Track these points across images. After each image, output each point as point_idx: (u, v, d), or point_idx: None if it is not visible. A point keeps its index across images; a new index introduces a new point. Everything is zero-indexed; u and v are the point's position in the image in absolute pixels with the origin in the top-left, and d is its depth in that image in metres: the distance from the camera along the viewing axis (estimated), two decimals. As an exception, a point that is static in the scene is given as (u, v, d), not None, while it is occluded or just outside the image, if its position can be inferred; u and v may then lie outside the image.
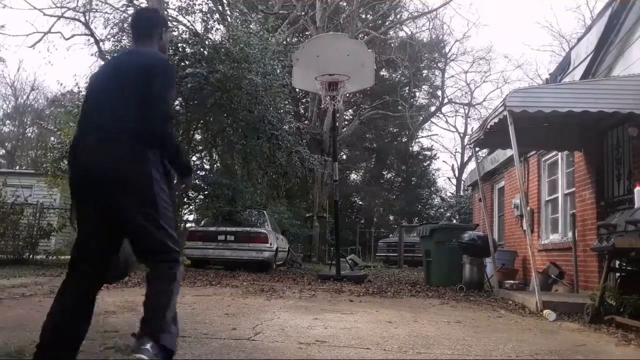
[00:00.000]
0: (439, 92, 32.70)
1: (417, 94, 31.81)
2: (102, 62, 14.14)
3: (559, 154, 8.38)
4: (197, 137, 15.19)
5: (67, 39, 15.31)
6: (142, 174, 2.29)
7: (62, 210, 11.98)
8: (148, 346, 2.12)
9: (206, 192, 14.17)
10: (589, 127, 6.95)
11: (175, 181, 2.59)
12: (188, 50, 13.57)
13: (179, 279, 2.42)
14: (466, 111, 34.72)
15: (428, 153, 33.93)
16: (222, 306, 5.11)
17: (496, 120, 6.16)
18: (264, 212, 12.79)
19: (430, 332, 3.98)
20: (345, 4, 22.74)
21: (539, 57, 66.22)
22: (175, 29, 14.50)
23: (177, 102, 14.18)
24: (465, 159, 33.84)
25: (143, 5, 14.57)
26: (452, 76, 40.15)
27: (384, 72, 28.66)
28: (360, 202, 32.25)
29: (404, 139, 32.13)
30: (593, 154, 7.14)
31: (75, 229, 2.50)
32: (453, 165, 36.25)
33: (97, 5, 15.02)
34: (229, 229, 11.41)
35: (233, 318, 4.34)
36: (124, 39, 14.48)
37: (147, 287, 2.37)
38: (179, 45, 13.87)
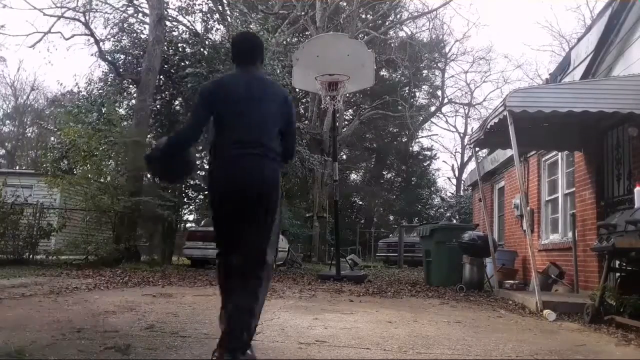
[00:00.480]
0: (439, 92, 32.72)
1: (417, 94, 31.82)
2: (104, 64, 14.15)
3: (559, 154, 8.38)
4: (197, 137, 15.16)
5: (67, 39, 15.27)
6: (278, 190, 2.79)
7: (62, 210, 11.98)
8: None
9: (206, 192, 14.18)
10: (589, 127, 6.95)
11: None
12: (188, 50, 13.59)
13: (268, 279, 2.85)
14: (466, 111, 34.76)
15: (428, 153, 33.94)
16: (222, 306, 5.10)
17: (496, 120, 6.16)
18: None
19: (430, 332, 3.98)
20: (345, 4, 22.73)
21: (539, 57, 66.22)
22: (175, 29, 14.52)
23: (177, 102, 14.22)
24: (465, 159, 33.86)
25: (143, 5, 14.61)
26: (452, 76, 40.26)
27: (384, 72, 28.65)
28: (360, 202, 32.24)
29: (404, 139, 32.12)
30: (593, 154, 7.14)
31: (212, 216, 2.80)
32: (453, 165, 36.28)
33: (97, 5, 15.02)
34: (228, 229, 11.39)
35: (233, 318, 4.33)
36: (124, 39, 14.50)
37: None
38: (179, 45, 13.89)
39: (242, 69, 2.98)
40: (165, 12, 13.35)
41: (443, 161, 69.98)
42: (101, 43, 14.06)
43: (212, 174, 2.81)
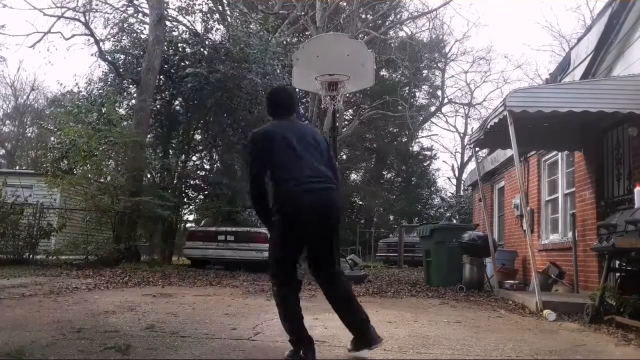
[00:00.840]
0: (439, 92, 32.71)
1: (417, 94, 31.79)
2: (104, 64, 14.15)
3: (559, 154, 8.38)
4: (197, 137, 15.19)
5: (67, 39, 15.27)
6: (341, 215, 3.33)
7: (62, 210, 11.98)
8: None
9: (206, 192, 14.18)
10: (589, 127, 6.95)
11: None
12: (188, 50, 13.60)
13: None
14: (466, 111, 34.73)
15: (428, 153, 33.90)
16: (222, 306, 5.11)
17: (496, 120, 6.16)
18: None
19: (430, 332, 3.98)
20: (345, 4, 22.72)
21: (539, 57, 66.17)
22: (175, 29, 14.52)
23: (177, 102, 14.22)
24: (465, 159, 33.84)
25: (143, 5, 14.60)
26: (452, 76, 40.22)
27: (384, 72, 28.64)
28: (360, 202, 32.21)
29: (404, 139, 32.09)
30: (593, 154, 7.14)
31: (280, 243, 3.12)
32: (453, 165, 36.26)
33: (97, 5, 15.02)
34: (229, 229, 11.40)
35: (233, 318, 4.34)
36: (124, 39, 14.49)
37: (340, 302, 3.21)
38: (179, 45, 13.89)
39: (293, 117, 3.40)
40: (165, 12, 13.35)
41: (443, 161, 69.96)
42: (101, 43, 14.07)
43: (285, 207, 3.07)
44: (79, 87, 13.91)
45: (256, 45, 12.43)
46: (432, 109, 33.02)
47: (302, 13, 20.42)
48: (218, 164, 15.58)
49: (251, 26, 13.90)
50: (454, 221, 20.75)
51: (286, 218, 3.02)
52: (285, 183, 3.04)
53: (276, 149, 3.08)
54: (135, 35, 14.52)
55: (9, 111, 34.48)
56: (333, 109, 10.21)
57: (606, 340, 3.92)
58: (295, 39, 21.42)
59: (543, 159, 9.02)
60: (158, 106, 13.68)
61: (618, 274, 5.04)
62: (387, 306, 5.67)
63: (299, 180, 3.03)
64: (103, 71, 14.74)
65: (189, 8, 14.28)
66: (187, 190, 14.66)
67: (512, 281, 7.86)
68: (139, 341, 3.18)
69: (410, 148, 32.32)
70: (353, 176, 32.82)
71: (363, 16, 24.92)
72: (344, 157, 29.75)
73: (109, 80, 14.23)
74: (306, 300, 5.96)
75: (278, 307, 3.08)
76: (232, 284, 7.71)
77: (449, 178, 37.32)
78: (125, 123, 12.39)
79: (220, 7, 15.78)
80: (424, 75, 30.89)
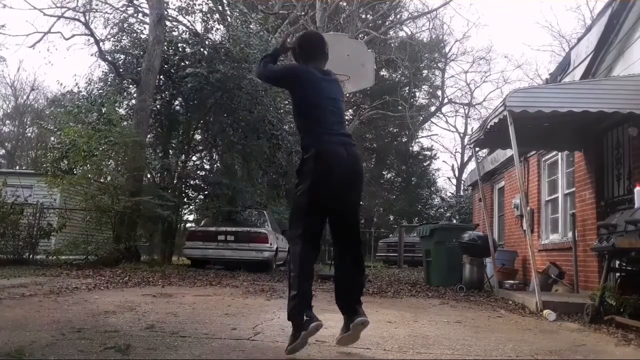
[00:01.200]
0: (439, 92, 32.74)
1: (417, 94, 31.81)
2: (104, 64, 14.15)
3: (559, 154, 8.38)
4: (197, 137, 15.19)
5: (67, 39, 15.24)
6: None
7: (62, 210, 11.98)
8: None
9: (206, 192, 14.17)
10: (589, 127, 6.95)
11: None
12: (188, 50, 13.59)
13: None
14: (466, 111, 34.76)
15: (428, 153, 33.92)
16: (222, 306, 5.11)
17: (496, 120, 6.16)
18: (264, 212, 12.78)
19: (430, 332, 3.98)
20: (345, 4, 22.73)
21: (539, 57, 66.23)
22: (175, 29, 14.51)
23: (177, 102, 14.21)
24: (465, 159, 33.85)
25: (143, 5, 14.59)
26: (452, 76, 40.29)
27: (384, 72, 28.65)
28: (360, 202, 32.21)
29: (404, 139, 32.11)
30: (593, 154, 7.14)
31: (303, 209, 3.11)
32: (453, 165, 36.27)
33: (97, 5, 15.02)
34: (229, 229, 11.40)
35: (233, 318, 4.34)
36: (124, 39, 14.48)
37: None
38: (179, 45, 13.88)
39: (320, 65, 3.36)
40: (165, 12, 13.34)
41: (443, 161, 70.04)
42: (101, 43, 14.06)
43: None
44: (79, 87, 13.91)
45: (256, 45, 12.42)
46: (432, 109, 33.05)
47: (302, 13, 20.42)
48: (218, 164, 15.59)
49: (251, 26, 13.89)
50: (454, 221, 20.78)
51: (318, 173, 3.00)
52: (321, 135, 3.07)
53: (317, 99, 3.14)
54: (135, 35, 14.51)
55: (9, 111, 34.53)
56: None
57: (606, 340, 3.92)
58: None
59: (543, 159, 9.02)
60: (158, 106, 13.68)
61: (618, 274, 5.04)
62: (387, 306, 5.67)
63: (326, 133, 3.07)
64: (103, 71, 14.74)
65: (189, 8, 14.27)
66: (187, 190, 14.65)
67: (512, 281, 7.86)
68: (139, 341, 3.17)
69: (410, 148, 32.33)
70: (353, 176, 32.77)
71: (363, 16, 24.93)
72: (344, 157, 29.69)
73: (109, 80, 14.22)
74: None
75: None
76: (232, 284, 7.71)
77: (449, 178, 37.37)
78: (125, 123, 12.38)
79: (220, 7, 15.78)
80: (424, 75, 30.90)
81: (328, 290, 7.18)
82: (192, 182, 14.50)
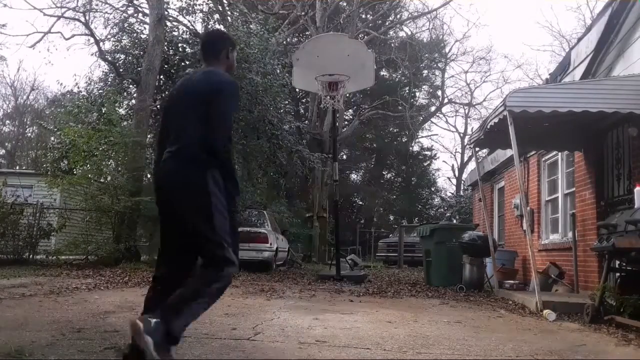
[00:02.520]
0: (439, 92, 32.69)
1: (417, 94, 31.76)
2: (104, 64, 14.17)
3: (559, 154, 8.38)
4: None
5: (67, 39, 15.28)
6: (198, 186, 2.55)
7: (62, 210, 11.97)
8: (153, 321, 2.32)
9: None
10: (589, 127, 6.95)
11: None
12: (188, 50, 13.57)
13: (213, 288, 2.59)
14: (466, 111, 34.72)
15: (428, 153, 33.91)
16: (222, 306, 5.10)
17: (496, 120, 6.16)
18: (264, 212, 12.78)
19: (430, 332, 3.98)
20: (345, 4, 22.73)
21: (539, 57, 66.23)
22: (176, 29, 14.51)
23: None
24: (465, 159, 33.84)
25: (143, 5, 14.60)
26: (452, 76, 40.16)
27: (384, 72, 28.63)
28: (360, 202, 32.22)
29: (404, 139, 32.08)
30: (593, 154, 7.13)
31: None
32: (453, 165, 36.25)
33: (97, 5, 15.03)
34: (229, 228, 11.38)
35: (233, 318, 4.34)
36: (124, 39, 14.49)
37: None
38: (179, 45, 13.88)
39: (204, 66, 3.01)
40: (166, 12, 13.33)
41: (443, 161, 70.01)
42: (101, 43, 14.06)
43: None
44: (79, 87, 13.91)
45: (256, 45, 12.42)
46: (432, 109, 33.02)
47: (302, 13, 20.42)
48: (218, 164, 15.57)
49: (251, 26, 13.89)
50: (454, 221, 20.77)
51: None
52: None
53: (164, 107, 2.99)
54: (135, 35, 14.51)
55: (9, 111, 34.50)
56: (333, 109, 10.22)
57: (606, 340, 3.92)
58: (295, 39, 21.43)
59: (543, 159, 9.01)
60: (158, 106, 13.67)
61: (618, 274, 5.05)
62: (387, 306, 5.67)
63: (161, 147, 2.83)
64: (103, 71, 14.74)
65: (189, 8, 14.28)
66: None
67: (512, 281, 7.86)
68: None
69: (410, 148, 32.32)
70: (353, 176, 32.84)
71: (363, 16, 24.92)
72: (344, 157, 29.76)
73: (109, 80, 14.22)
74: (306, 300, 5.97)
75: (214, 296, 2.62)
76: (232, 284, 7.68)
77: (449, 178, 37.36)
78: (125, 123, 12.38)
79: (220, 7, 15.78)
80: (424, 75, 30.88)
81: (328, 290, 7.19)
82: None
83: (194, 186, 2.56)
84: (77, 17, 14.17)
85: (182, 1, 14.68)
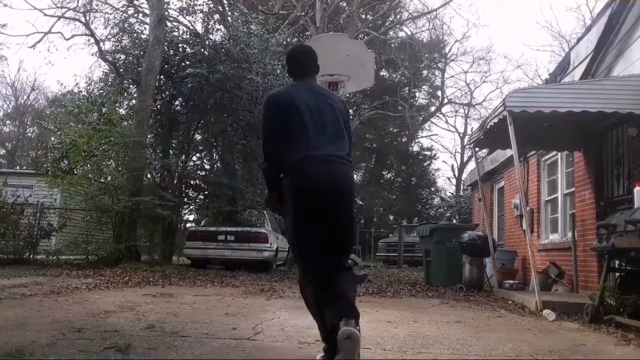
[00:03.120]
0: (439, 92, 32.72)
1: (417, 94, 31.79)
2: (104, 64, 14.18)
3: (559, 154, 8.38)
4: (198, 137, 15.19)
5: (67, 39, 15.29)
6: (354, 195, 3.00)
7: (63, 210, 11.98)
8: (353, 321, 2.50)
9: (206, 192, 14.17)
10: (588, 127, 6.95)
11: None
12: (188, 50, 13.59)
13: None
14: (466, 111, 34.71)
15: (428, 153, 33.88)
16: (222, 306, 5.11)
17: (496, 120, 6.17)
18: (264, 212, 12.77)
19: (430, 332, 3.98)
20: (345, 4, 22.75)
21: (539, 57, 66.23)
22: (176, 29, 14.53)
23: (177, 102, 14.22)
24: (465, 159, 33.81)
25: (143, 6, 14.61)
26: (452, 76, 40.19)
27: (384, 72, 28.64)
28: (360, 202, 32.20)
29: (404, 139, 32.09)
30: (593, 154, 7.14)
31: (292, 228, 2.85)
32: (453, 165, 36.22)
33: (97, 5, 15.05)
34: (229, 229, 11.41)
35: (233, 318, 4.34)
36: (124, 39, 14.50)
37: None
38: (180, 45, 13.89)
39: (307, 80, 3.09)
40: (166, 13, 13.34)
41: (443, 161, 69.78)
42: (101, 43, 14.08)
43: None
44: (79, 87, 13.91)
45: (256, 45, 12.43)
46: (432, 109, 33.04)
47: (302, 13, 20.42)
48: (218, 164, 15.58)
49: (251, 26, 13.90)
50: (454, 221, 20.78)
51: (295, 198, 2.77)
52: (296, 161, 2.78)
53: (289, 119, 2.82)
54: (135, 35, 14.52)
55: (9, 111, 34.52)
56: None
57: (606, 340, 3.93)
58: (295, 39, 21.42)
59: (543, 159, 9.02)
60: (158, 106, 13.68)
61: (618, 274, 5.05)
62: (387, 306, 5.67)
63: (309, 148, 2.77)
64: (103, 71, 14.75)
65: (190, 8, 14.30)
66: (187, 190, 14.66)
67: (511, 281, 7.86)
68: (139, 341, 3.18)
69: (410, 148, 32.32)
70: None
71: (363, 16, 24.93)
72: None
73: (109, 80, 14.24)
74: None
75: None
76: (232, 284, 7.71)
77: (448, 178, 37.33)
78: (125, 123, 12.39)
79: (220, 8, 15.79)
80: (424, 75, 30.90)
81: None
82: (192, 182, 14.50)
83: (354, 194, 2.97)
84: (77, 17, 14.20)
85: (182, 1, 14.73)
